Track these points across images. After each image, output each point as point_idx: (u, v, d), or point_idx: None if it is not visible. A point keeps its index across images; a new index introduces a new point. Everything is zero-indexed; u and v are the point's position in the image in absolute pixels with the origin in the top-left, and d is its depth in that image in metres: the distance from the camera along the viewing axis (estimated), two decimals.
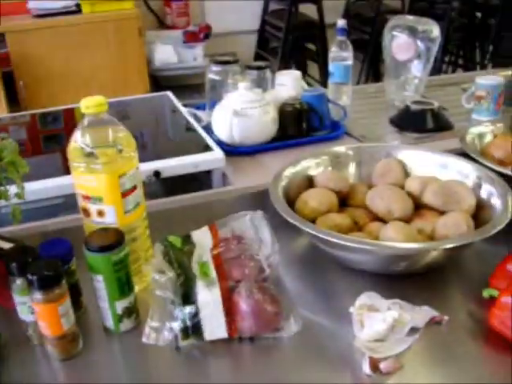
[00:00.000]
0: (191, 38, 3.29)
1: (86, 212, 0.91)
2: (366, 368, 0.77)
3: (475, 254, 1.01)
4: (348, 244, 0.86)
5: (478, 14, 3.75)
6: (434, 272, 0.96)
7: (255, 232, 0.97)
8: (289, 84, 1.61)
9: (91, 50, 3.04)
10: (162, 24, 3.54)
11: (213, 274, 0.87)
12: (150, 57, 3.25)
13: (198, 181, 1.42)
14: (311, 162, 1.10)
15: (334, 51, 1.76)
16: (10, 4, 2.98)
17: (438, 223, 0.95)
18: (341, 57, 1.75)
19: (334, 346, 0.83)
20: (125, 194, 0.91)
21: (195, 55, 3.25)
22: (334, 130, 1.54)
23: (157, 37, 3.32)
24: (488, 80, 1.63)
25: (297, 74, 1.64)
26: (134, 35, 3.09)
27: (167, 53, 3.16)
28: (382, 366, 0.77)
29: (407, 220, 1.00)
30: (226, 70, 1.59)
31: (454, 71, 3.87)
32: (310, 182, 1.09)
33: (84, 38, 3.01)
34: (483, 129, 1.24)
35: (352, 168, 1.13)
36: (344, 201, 1.08)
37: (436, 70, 3.61)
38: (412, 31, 1.76)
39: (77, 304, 0.88)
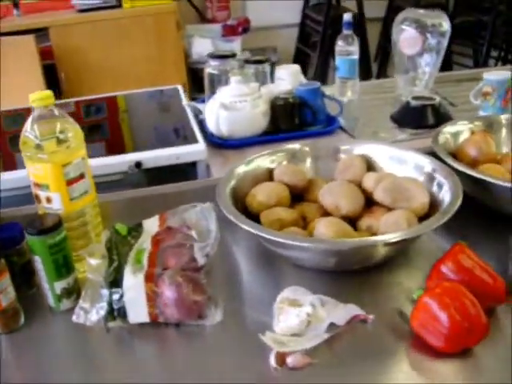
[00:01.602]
0: (229, 31, 3.32)
1: (38, 198, 0.96)
2: (272, 361, 0.77)
3: (426, 250, 0.99)
4: (272, 238, 0.87)
5: None
6: (376, 269, 0.95)
7: (206, 223, 0.99)
8: (287, 78, 1.61)
9: (130, 44, 3.11)
10: (202, 18, 3.58)
11: (144, 260, 0.89)
12: (188, 50, 3.30)
13: (187, 172, 1.44)
14: (266, 160, 1.10)
15: (339, 45, 1.75)
16: (52, 0, 3.09)
17: (380, 221, 0.94)
18: (347, 51, 1.74)
19: (254, 337, 0.83)
20: (70, 182, 0.95)
21: (233, 49, 3.27)
22: (329, 125, 1.52)
23: (196, 30, 3.37)
24: (495, 75, 1.57)
25: (295, 68, 1.64)
26: (172, 29, 3.14)
27: (205, 46, 3.19)
28: (289, 360, 0.77)
29: (356, 216, 0.99)
30: (224, 64, 1.61)
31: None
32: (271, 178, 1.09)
33: (123, 32, 3.09)
34: (459, 127, 1.20)
35: (308, 163, 1.12)
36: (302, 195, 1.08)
37: (481, 65, 3.51)
38: (421, 25, 1.73)
39: (29, 283, 0.96)
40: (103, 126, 1.69)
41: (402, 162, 1.08)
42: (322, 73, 3.38)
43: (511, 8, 3.57)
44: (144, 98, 1.88)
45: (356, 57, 1.75)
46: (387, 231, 0.91)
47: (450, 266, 0.85)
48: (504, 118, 1.25)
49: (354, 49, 1.74)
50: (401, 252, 0.97)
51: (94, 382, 0.79)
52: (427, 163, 1.04)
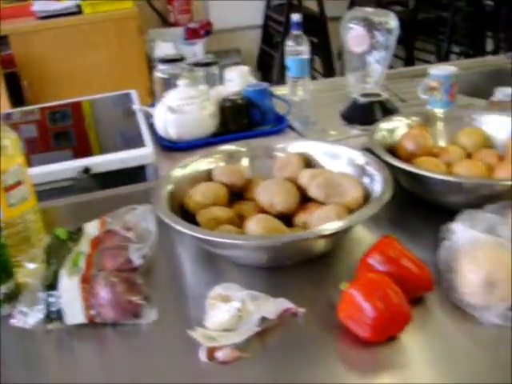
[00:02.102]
0: (192, 34, 3.34)
1: None
2: (203, 356, 0.79)
3: (364, 243, 1.01)
4: (199, 236, 0.89)
5: (489, 3, 3.66)
6: (312, 263, 0.97)
7: (146, 225, 1.01)
8: (236, 80, 1.62)
9: (92, 49, 3.11)
10: (165, 22, 3.59)
11: (82, 263, 0.91)
12: (150, 54, 3.31)
13: (136, 176, 1.46)
14: (203, 162, 1.11)
15: (289, 46, 1.77)
16: (11, 8, 3.08)
17: (312, 216, 0.96)
18: (297, 51, 1.76)
19: (188, 334, 0.85)
20: (7, 189, 0.96)
21: (195, 52, 3.29)
22: (278, 125, 1.55)
23: (158, 34, 3.38)
24: (440, 71, 1.61)
25: (245, 69, 1.66)
26: (133, 34, 3.15)
27: (167, 50, 3.20)
28: (219, 354, 0.79)
29: (291, 213, 1.01)
30: (174, 68, 1.62)
31: None
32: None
33: (85, 38, 3.09)
34: (396, 123, 1.23)
35: (246, 163, 1.14)
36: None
37: (442, 61, 3.56)
38: (368, 23, 1.75)
39: None
40: (69, 133, 1.68)
41: (336, 158, 1.10)
42: (284, 73, 3.40)
43: (470, 4, 3.63)
44: (106, 103, 1.88)
45: (306, 56, 1.77)
46: (318, 226, 0.93)
47: (377, 257, 0.87)
48: (440, 112, 1.28)
49: (304, 49, 1.76)
50: (335, 245, 1.00)
51: (35, 383, 0.81)
52: (360, 157, 1.07)
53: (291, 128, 1.57)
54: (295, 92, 1.78)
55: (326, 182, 1.01)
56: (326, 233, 0.88)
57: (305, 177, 1.05)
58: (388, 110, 1.58)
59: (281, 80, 3.41)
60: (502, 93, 1.93)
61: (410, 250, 0.91)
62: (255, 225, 0.91)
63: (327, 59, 3.51)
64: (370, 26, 1.75)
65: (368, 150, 1.12)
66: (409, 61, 3.71)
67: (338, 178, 1.02)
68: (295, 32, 1.77)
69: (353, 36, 1.76)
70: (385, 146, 1.16)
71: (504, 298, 0.82)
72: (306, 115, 1.68)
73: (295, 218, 1.02)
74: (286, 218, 1.01)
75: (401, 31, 3.47)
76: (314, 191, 1.01)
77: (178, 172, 1.07)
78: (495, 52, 3.65)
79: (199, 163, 1.11)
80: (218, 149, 1.15)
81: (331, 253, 1.00)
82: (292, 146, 1.15)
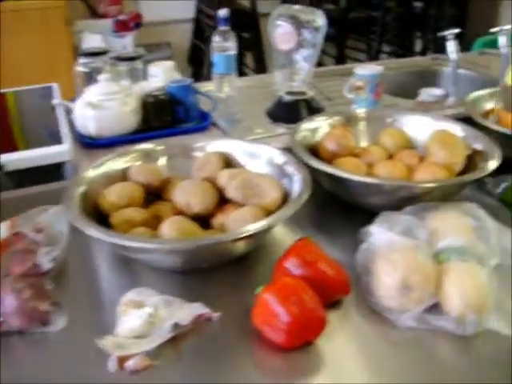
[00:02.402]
0: (121, 27, 3.25)
1: None
2: (112, 366, 0.76)
3: (283, 244, 0.99)
4: (107, 239, 0.85)
5: (418, 4, 3.74)
6: (230, 266, 0.95)
7: (58, 226, 0.97)
8: (160, 75, 1.58)
9: (18, 39, 2.98)
10: (94, 13, 3.49)
11: None
12: (79, 46, 3.20)
13: (54, 174, 1.39)
14: (119, 161, 1.07)
15: (216, 41, 1.73)
16: None
17: (229, 218, 0.93)
18: (223, 47, 1.73)
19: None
20: None
21: (125, 44, 3.21)
22: (202, 122, 1.51)
23: (86, 26, 3.28)
24: (366, 70, 1.61)
25: (169, 64, 1.61)
26: (60, 25, 3.04)
27: (95, 42, 3.11)
28: (129, 364, 0.76)
29: (209, 214, 0.98)
30: (96, 61, 1.56)
31: None
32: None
33: (6, 28, 2.95)
34: (318, 123, 1.22)
35: (164, 162, 1.10)
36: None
37: (373, 60, 3.60)
38: (295, 21, 1.74)
39: None
40: None
41: (255, 157, 1.08)
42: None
43: (400, 4, 3.69)
44: (31, 97, 1.79)
45: (233, 52, 1.74)
46: (235, 228, 0.91)
47: (293, 261, 0.85)
48: (362, 112, 1.28)
49: (231, 45, 1.73)
50: (255, 247, 0.98)
51: None
52: (279, 157, 1.05)
53: (216, 125, 1.54)
54: (221, 88, 1.75)
55: (244, 182, 0.98)
56: (240, 236, 0.85)
57: (223, 177, 1.02)
58: (313, 109, 1.57)
59: (211, 75, 3.38)
60: (426, 93, 1.96)
61: (330, 252, 0.90)
62: (168, 227, 0.88)
63: (258, 55, 3.50)
64: (298, 23, 1.74)
65: (291, 150, 1.10)
66: (340, 59, 3.75)
67: (257, 179, 0.99)
68: (222, 28, 1.74)
69: (280, 33, 1.74)
70: (307, 146, 1.14)
71: (419, 301, 0.82)
72: (232, 112, 1.65)
73: (213, 220, 0.99)
74: (205, 220, 0.99)
75: (332, 29, 3.50)
76: (231, 192, 0.98)
77: (92, 172, 1.03)
78: (423, 52, 3.73)
79: (115, 162, 1.06)
80: (135, 147, 1.11)
81: (250, 254, 0.98)
82: (211, 145, 1.12)
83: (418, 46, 3.84)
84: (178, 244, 0.85)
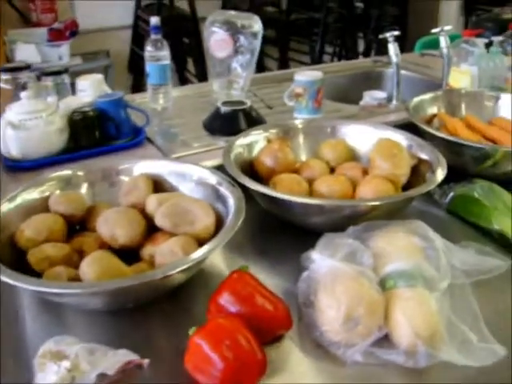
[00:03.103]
0: (56, 35, 3.11)
1: None
2: None
3: (221, 273, 0.92)
4: (14, 283, 0.75)
5: (359, 5, 3.72)
6: (161, 303, 0.86)
7: None
8: (88, 89, 1.48)
9: None
10: (27, 22, 3.34)
11: None
12: (11, 57, 3.06)
13: None
14: (35, 192, 0.97)
15: (148, 51, 1.64)
16: None
17: (157, 250, 0.85)
18: (156, 57, 1.64)
19: None
20: None
21: (61, 54, 3.08)
22: (135, 138, 1.42)
23: (19, 35, 3.12)
24: (305, 76, 1.54)
25: (98, 78, 1.52)
26: None
27: (29, 52, 2.97)
28: None
29: (137, 245, 0.90)
30: (18, 77, 1.45)
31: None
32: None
33: None
34: (254, 137, 1.14)
35: (85, 189, 1.01)
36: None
37: (316, 62, 3.57)
38: (231, 27, 1.67)
39: None
40: None
41: (186, 178, 1.00)
42: None
43: (342, 6, 3.66)
44: None
45: (167, 62, 1.65)
46: (163, 261, 0.83)
47: (227, 297, 0.78)
48: (300, 123, 1.21)
49: (164, 54, 1.64)
50: (189, 280, 0.89)
51: None
52: (211, 177, 0.97)
53: (150, 141, 1.45)
54: (156, 100, 1.66)
55: (173, 209, 0.90)
56: (164, 275, 0.76)
57: (151, 203, 0.94)
58: (252, 119, 1.50)
59: None
60: (369, 96, 1.91)
61: (273, 279, 0.86)
62: (88, 266, 0.79)
63: (200, 61, 3.41)
64: (234, 29, 1.67)
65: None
66: (283, 62, 3.69)
67: (187, 204, 0.91)
68: (154, 36, 1.65)
69: (215, 40, 1.67)
70: (243, 163, 1.07)
71: (366, 335, 0.75)
72: (168, 126, 1.56)
73: (142, 251, 0.91)
74: (134, 251, 0.90)
75: (274, 32, 3.45)
76: (159, 220, 0.90)
77: (7, 205, 0.92)
78: (367, 53, 3.71)
79: (30, 193, 0.96)
80: (52, 175, 1.01)
81: (185, 287, 0.89)
82: (137, 167, 1.03)
83: (362, 46, 3.82)
84: (93, 287, 0.76)
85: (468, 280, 0.87)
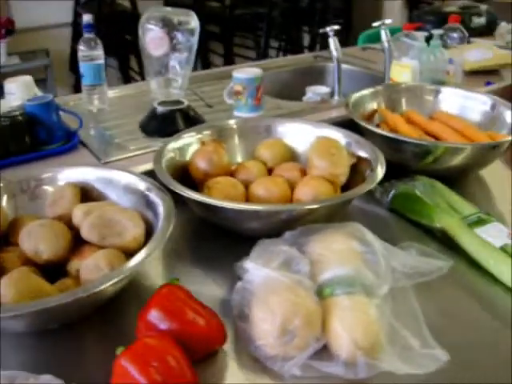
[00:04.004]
0: None
1: None
2: None
3: (155, 285, 0.86)
4: None
5: None
6: (92, 321, 0.81)
7: None
8: (17, 92, 1.41)
9: None
10: None
11: None
12: None
13: None
14: None
15: (82, 50, 1.57)
16: None
17: (82, 265, 0.80)
18: (90, 56, 1.57)
19: None
20: None
21: None
22: (68, 142, 1.35)
23: None
24: (243, 73, 1.50)
25: (27, 80, 1.44)
26: None
27: None
28: None
29: (62, 260, 0.84)
30: None
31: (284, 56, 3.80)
32: None
33: None
34: (186, 140, 1.10)
35: (4, 202, 0.94)
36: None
37: (261, 57, 3.53)
38: (167, 24, 1.61)
39: None
40: None
41: (114, 185, 0.95)
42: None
43: (286, 0, 3.63)
44: None
45: (101, 61, 1.59)
46: (89, 277, 0.77)
47: (155, 313, 0.73)
48: (234, 123, 1.17)
49: (98, 53, 1.58)
50: (118, 294, 0.84)
51: None
52: (140, 183, 0.92)
53: (84, 145, 1.38)
54: (91, 101, 1.59)
55: (99, 220, 0.85)
56: (80, 295, 0.71)
57: (77, 215, 0.88)
58: (190, 119, 1.45)
59: None
60: (312, 91, 1.89)
61: (210, 290, 0.84)
62: (5, 287, 0.73)
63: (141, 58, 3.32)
64: (170, 26, 1.61)
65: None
66: (228, 58, 3.64)
67: (115, 215, 0.86)
68: (87, 35, 1.58)
69: (151, 38, 1.61)
70: (176, 167, 1.02)
71: (303, 347, 0.71)
72: (104, 128, 1.50)
73: (69, 265, 0.85)
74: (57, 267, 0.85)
75: (218, 28, 3.40)
76: (85, 233, 0.85)
77: None
78: (312, 47, 3.69)
79: None
80: None
81: (115, 303, 0.84)
82: (62, 175, 0.97)
83: (306, 40, 3.80)
84: (8, 311, 0.70)
85: (410, 282, 0.85)
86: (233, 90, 1.53)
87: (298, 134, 1.13)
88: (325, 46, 1.77)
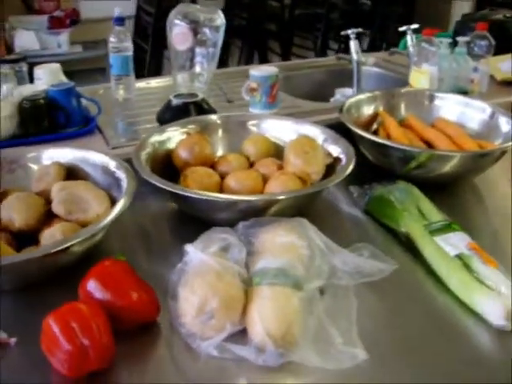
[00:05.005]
0: (56, 23, 3.16)
1: None
2: None
3: None
4: None
5: (366, 1, 3.69)
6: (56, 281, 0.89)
7: None
8: (44, 78, 1.51)
9: None
10: (29, 8, 3.39)
11: None
12: (11, 44, 3.12)
13: None
14: None
15: (111, 42, 1.67)
16: None
17: (42, 236, 0.87)
18: (119, 48, 1.66)
19: None
20: None
21: (60, 42, 3.13)
22: (85, 127, 1.45)
23: (19, 22, 3.18)
24: (259, 71, 1.55)
25: (55, 67, 1.55)
26: None
27: (28, 39, 3.03)
28: None
29: (33, 230, 0.93)
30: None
31: None
32: None
33: None
34: (170, 133, 1.15)
35: None
36: None
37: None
38: (193, 20, 1.68)
39: None
40: None
41: (94, 166, 1.03)
42: (157, 66, 3.31)
43: (346, 2, 3.64)
44: None
45: (129, 53, 1.68)
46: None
47: (93, 283, 0.79)
48: (218, 118, 1.22)
49: (128, 45, 1.67)
50: (78, 266, 0.91)
51: None
52: (113, 166, 0.99)
53: (100, 131, 1.47)
54: (118, 91, 1.68)
55: (68, 196, 0.93)
56: (31, 257, 0.78)
57: (54, 191, 0.96)
58: (205, 111, 1.50)
59: (153, 73, 3.31)
60: (340, 93, 1.91)
61: (160, 271, 0.88)
62: None
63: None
64: (196, 23, 1.68)
65: None
66: (285, 57, 3.69)
67: (84, 193, 0.94)
68: (118, 28, 1.67)
69: (176, 33, 1.68)
70: (161, 156, 1.08)
71: (220, 329, 0.76)
72: (125, 116, 1.58)
73: (40, 235, 0.93)
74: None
75: (276, 27, 3.44)
76: (55, 207, 0.93)
77: None
78: (371, 49, 3.68)
79: None
80: None
81: (77, 275, 0.91)
82: (46, 154, 1.06)
83: (366, 43, 3.79)
84: None
85: (353, 282, 0.87)
86: (249, 87, 1.58)
87: (282, 131, 1.17)
88: (384, 48, 1.78)
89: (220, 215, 1.00)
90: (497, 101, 1.58)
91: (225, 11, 3.32)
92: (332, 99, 1.92)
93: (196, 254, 0.81)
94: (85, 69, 3.29)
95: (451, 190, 1.22)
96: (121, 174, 0.99)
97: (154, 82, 1.90)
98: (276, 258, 0.82)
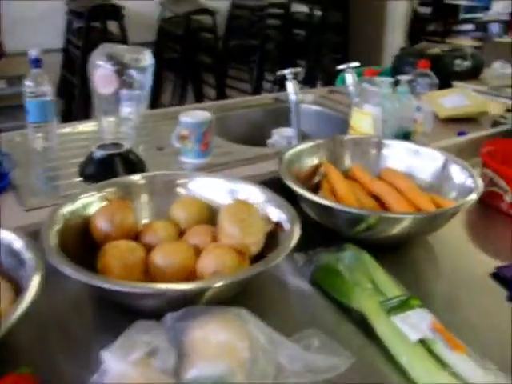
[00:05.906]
0: None
1: None
2: None
3: None
4: None
5: (301, 32, 3.64)
6: None
7: None
8: None
9: None
10: None
11: None
12: None
13: None
14: None
15: (28, 86, 1.51)
16: None
17: None
18: (36, 92, 1.51)
19: None
20: None
21: None
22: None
23: None
24: (190, 117, 1.42)
25: None
26: None
27: None
28: None
29: None
30: None
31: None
32: None
33: None
34: (87, 199, 1.00)
35: None
36: None
37: (255, 89, 3.47)
38: (117, 61, 1.54)
39: None
40: None
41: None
42: (86, 102, 3.14)
43: (282, 33, 3.57)
44: None
45: (49, 98, 1.52)
46: None
47: None
48: (141, 178, 1.08)
49: (46, 89, 1.51)
50: None
51: None
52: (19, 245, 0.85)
53: (14, 188, 1.30)
54: (37, 140, 1.52)
55: None
56: None
57: None
58: (131, 163, 1.37)
59: (85, 111, 3.14)
60: (278, 134, 1.81)
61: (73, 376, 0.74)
62: None
63: None
64: (121, 64, 1.54)
65: None
66: (220, 89, 3.58)
67: None
68: (35, 70, 1.51)
69: (99, 75, 1.54)
70: (75, 230, 0.94)
71: None
72: (45, 169, 1.43)
73: None
74: None
75: (210, 59, 3.34)
76: None
77: None
78: (307, 80, 3.62)
79: None
80: None
81: None
82: None
83: (302, 74, 3.73)
84: None
85: (301, 381, 0.74)
86: (179, 134, 1.45)
87: (216, 192, 1.05)
88: (323, 80, 1.69)
89: (145, 303, 0.86)
90: (443, 142, 1.51)
91: (157, 43, 3.20)
92: (270, 140, 1.81)
93: (116, 363, 0.67)
94: (8, 105, 3.10)
95: (403, 248, 1.13)
96: (28, 255, 0.83)
97: (82, 127, 1.74)
98: (211, 364, 0.68)
